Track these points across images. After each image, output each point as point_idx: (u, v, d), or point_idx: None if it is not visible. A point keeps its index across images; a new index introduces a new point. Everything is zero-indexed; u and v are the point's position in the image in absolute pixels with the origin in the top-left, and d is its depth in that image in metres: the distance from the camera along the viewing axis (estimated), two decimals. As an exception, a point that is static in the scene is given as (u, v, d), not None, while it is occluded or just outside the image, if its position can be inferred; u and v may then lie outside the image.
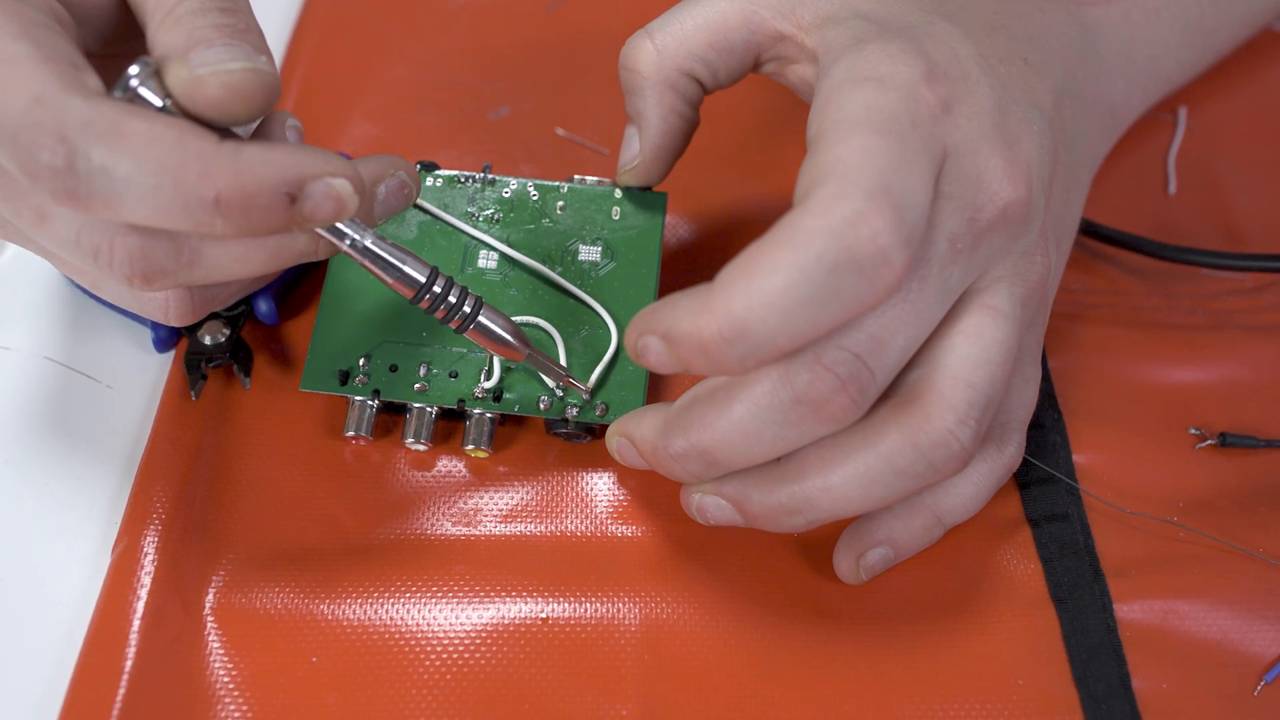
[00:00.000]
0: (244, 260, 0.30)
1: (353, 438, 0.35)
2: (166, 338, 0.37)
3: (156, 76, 0.27)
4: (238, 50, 0.27)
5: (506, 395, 0.34)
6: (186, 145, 0.26)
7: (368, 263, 0.30)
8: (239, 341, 0.37)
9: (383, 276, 0.30)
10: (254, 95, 0.27)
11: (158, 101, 0.27)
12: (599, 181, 0.38)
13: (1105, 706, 0.32)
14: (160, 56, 0.27)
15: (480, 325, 0.32)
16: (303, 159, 0.27)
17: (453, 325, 0.32)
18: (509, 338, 0.32)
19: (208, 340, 0.36)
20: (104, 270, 0.29)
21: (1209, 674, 0.32)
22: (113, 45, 0.31)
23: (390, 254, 0.30)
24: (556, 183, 0.38)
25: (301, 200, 0.27)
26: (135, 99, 0.27)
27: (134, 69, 0.27)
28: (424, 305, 0.31)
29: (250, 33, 0.28)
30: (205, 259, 0.29)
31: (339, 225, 0.29)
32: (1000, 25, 0.33)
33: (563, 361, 0.35)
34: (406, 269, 0.31)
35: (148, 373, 0.37)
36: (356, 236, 0.30)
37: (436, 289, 0.31)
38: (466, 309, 0.32)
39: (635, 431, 0.31)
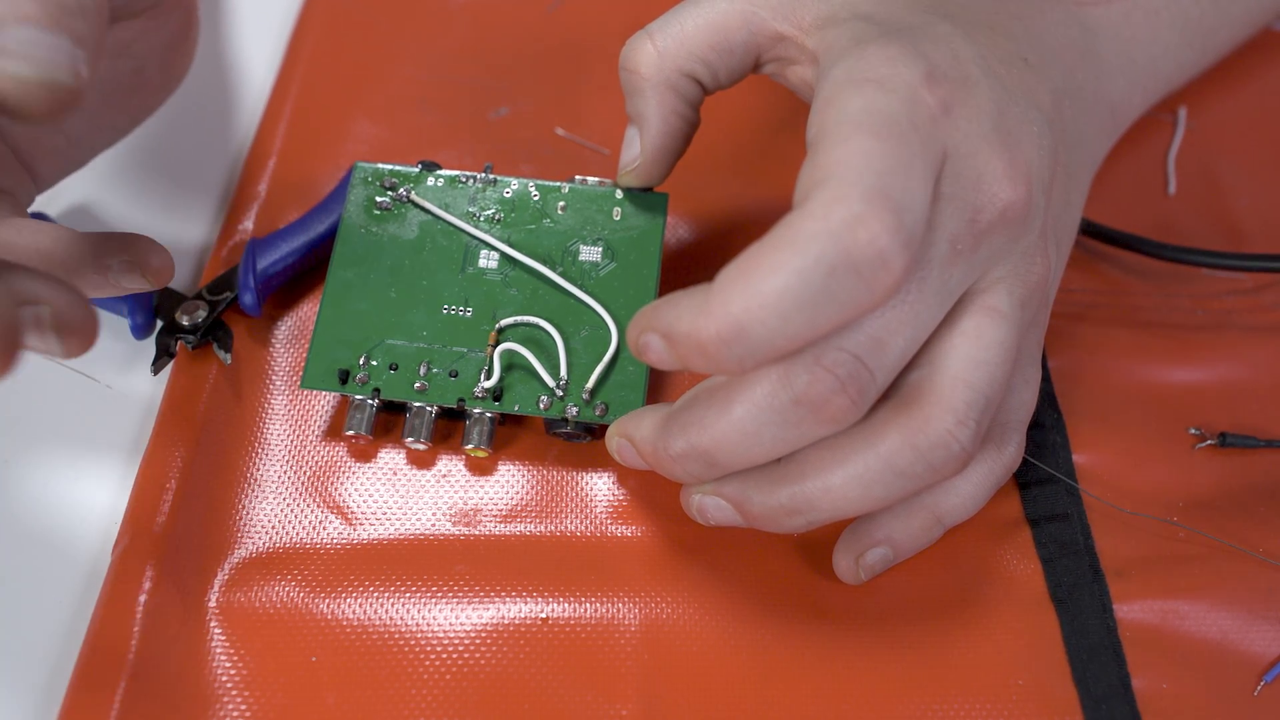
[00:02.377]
0: None
1: (353, 436, 0.35)
2: (143, 324, 0.37)
3: None
4: (46, 44, 0.24)
5: (506, 395, 0.34)
6: None
7: None
8: (218, 322, 0.37)
9: None
10: (36, 109, 0.25)
11: None
12: (600, 182, 0.38)
13: (1105, 706, 0.32)
14: None
15: None
16: None
17: None
18: None
19: (185, 320, 0.36)
20: None
21: (1209, 674, 0.32)
22: None
23: None
24: (558, 183, 0.38)
25: None
26: None
27: None
28: None
29: (81, 15, 0.25)
30: None
31: None
32: (1000, 26, 0.33)
33: (563, 363, 0.35)
34: None
35: (147, 372, 0.37)
36: None
37: None
38: None
39: (635, 432, 0.31)
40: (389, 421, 0.36)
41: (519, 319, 0.35)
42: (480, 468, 0.35)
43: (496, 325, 0.35)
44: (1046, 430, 0.36)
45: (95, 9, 0.26)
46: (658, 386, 0.37)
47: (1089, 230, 0.39)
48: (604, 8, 0.46)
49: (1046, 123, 0.32)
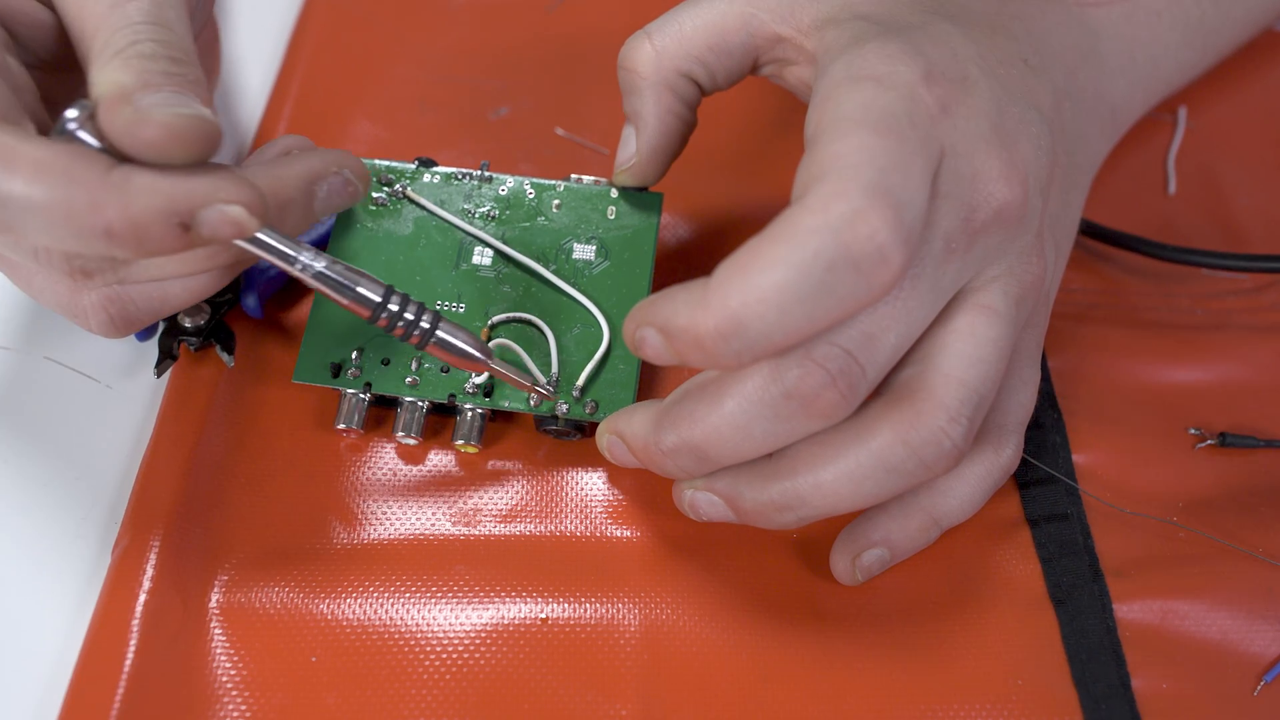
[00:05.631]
0: (179, 267, 0.30)
1: (344, 430, 0.35)
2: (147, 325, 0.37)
3: (94, 119, 0.27)
4: (182, 99, 0.27)
5: (497, 391, 0.35)
6: (73, 175, 0.26)
7: (321, 286, 0.30)
8: (220, 324, 0.37)
9: (337, 299, 0.31)
10: (192, 141, 0.27)
11: (94, 143, 0.27)
12: (595, 181, 0.38)
13: (1104, 706, 0.32)
14: (101, 95, 0.27)
15: (440, 340, 0.32)
16: (192, 186, 0.27)
17: (412, 342, 0.32)
18: (471, 350, 0.32)
19: (187, 323, 0.37)
20: (43, 266, 0.30)
21: (1209, 674, 0.32)
22: (48, 73, 0.31)
23: (343, 277, 0.30)
24: (553, 181, 0.38)
25: (196, 226, 0.27)
26: (72, 140, 0.27)
27: (71, 112, 0.27)
28: (382, 324, 0.31)
29: (198, 85, 0.28)
30: (136, 267, 0.30)
31: (286, 250, 0.30)
32: (1000, 26, 0.33)
33: (554, 360, 0.35)
34: (361, 290, 0.31)
35: (147, 372, 0.37)
36: (307, 262, 0.30)
37: (393, 307, 0.31)
38: (425, 324, 0.32)
39: (626, 428, 0.31)
40: (380, 416, 0.36)
41: (511, 316, 0.35)
42: (470, 464, 0.35)
43: (489, 322, 0.35)
44: (1046, 430, 0.36)
45: (204, 84, 0.29)
46: (648, 386, 0.37)
47: (1089, 230, 0.39)
48: (604, 8, 0.47)
49: (1046, 123, 0.31)
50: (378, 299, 0.31)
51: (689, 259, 0.40)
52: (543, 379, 0.34)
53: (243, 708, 0.31)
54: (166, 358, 0.36)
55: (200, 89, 0.28)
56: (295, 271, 0.30)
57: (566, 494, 0.35)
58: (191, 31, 0.30)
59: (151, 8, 0.29)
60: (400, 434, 0.35)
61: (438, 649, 0.32)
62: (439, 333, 0.32)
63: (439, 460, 0.35)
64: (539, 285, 0.36)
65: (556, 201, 0.38)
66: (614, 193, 0.38)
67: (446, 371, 0.35)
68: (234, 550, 0.34)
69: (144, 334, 0.37)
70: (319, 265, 0.30)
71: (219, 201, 0.27)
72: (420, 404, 0.35)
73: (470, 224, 0.37)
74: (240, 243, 0.29)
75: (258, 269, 0.37)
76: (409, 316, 0.31)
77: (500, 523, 0.35)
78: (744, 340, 0.26)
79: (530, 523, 0.35)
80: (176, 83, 0.28)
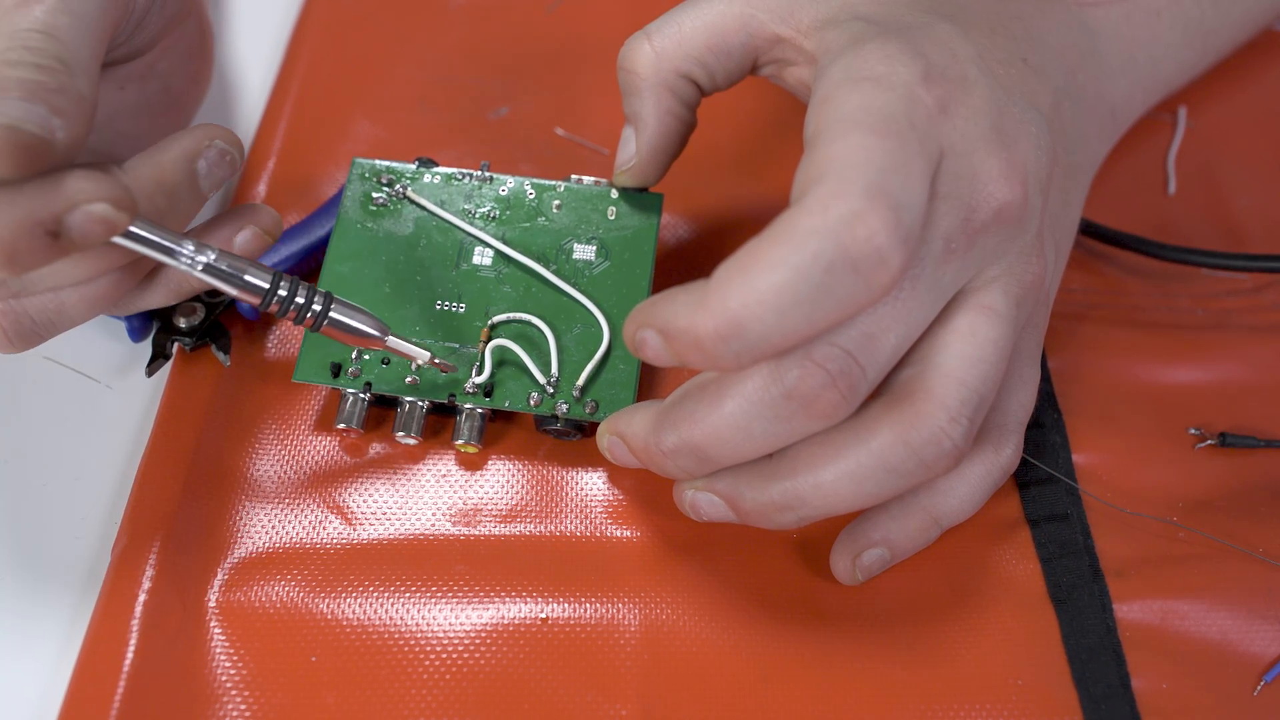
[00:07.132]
0: (71, 275, 0.29)
1: (344, 430, 0.35)
2: (139, 327, 0.37)
3: None
4: (23, 109, 0.26)
5: (497, 391, 0.35)
6: None
7: (209, 278, 0.30)
8: (215, 324, 0.37)
9: (227, 289, 0.30)
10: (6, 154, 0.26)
11: None
12: (596, 181, 0.38)
13: (1104, 707, 0.32)
14: None
15: (334, 321, 0.32)
16: (50, 192, 0.26)
17: (307, 324, 0.32)
18: (366, 329, 0.32)
19: (182, 323, 0.37)
20: None
21: (1209, 674, 0.32)
22: None
23: (230, 266, 0.30)
24: (553, 181, 0.38)
25: (66, 232, 0.26)
26: None
27: None
28: (274, 309, 0.31)
29: (61, 93, 0.26)
30: (29, 280, 0.29)
31: (167, 243, 0.29)
32: (1000, 26, 0.33)
33: (554, 360, 0.35)
34: (248, 278, 0.30)
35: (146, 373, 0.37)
36: (191, 255, 0.30)
37: (282, 292, 0.31)
38: (316, 307, 0.32)
39: (626, 428, 0.31)
40: (380, 415, 0.36)
41: (512, 316, 0.36)
42: (471, 464, 0.35)
43: (489, 322, 0.35)
44: (1046, 430, 0.36)
45: (74, 93, 0.27)
46: (648, 386, 0.37)
47: (1089, 230, 0.39)
48: (604, 8, 0.47)
49: (1045, 123, 0.31)
50: (265, 285, 0.31)
51: (689, 259, 0.40)
52: (542, 379, 0.34)
53: (242, 707, 0.31)
54: (159, 357, 0.36)
55: (63, 97, 0.26)
56: (182, 265, 0.30)
57: (566, 494, 0.35)
58: (96, 40, 0.28)
59: (45, 15, 0.27)
60: (400, 434, 0.35)
61: (438, 649, 0.32)
62: (332, 314, 0.32)
63: (439, 460, 0.35)
64: (539, 285, 0.36)
65: (557, 202, 0.38)
66: (614, 193, 0.38)
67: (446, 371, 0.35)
68: (234, 550, 0.34)
69: (138, 334, 0.37)
70: (204, 258, 0.30)
71: (82, 203, 0.26)
72: (420, 404, 0.35)
73: (471, 224, 0.37)
74: (121, 240, 0.29)
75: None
76: (300, 300, 0.31)
77: (500, 523, 0.35)
78: (743, 342, 0.26)
79: (530, 523, 0.35)
80: (29, 90, 0.26)
